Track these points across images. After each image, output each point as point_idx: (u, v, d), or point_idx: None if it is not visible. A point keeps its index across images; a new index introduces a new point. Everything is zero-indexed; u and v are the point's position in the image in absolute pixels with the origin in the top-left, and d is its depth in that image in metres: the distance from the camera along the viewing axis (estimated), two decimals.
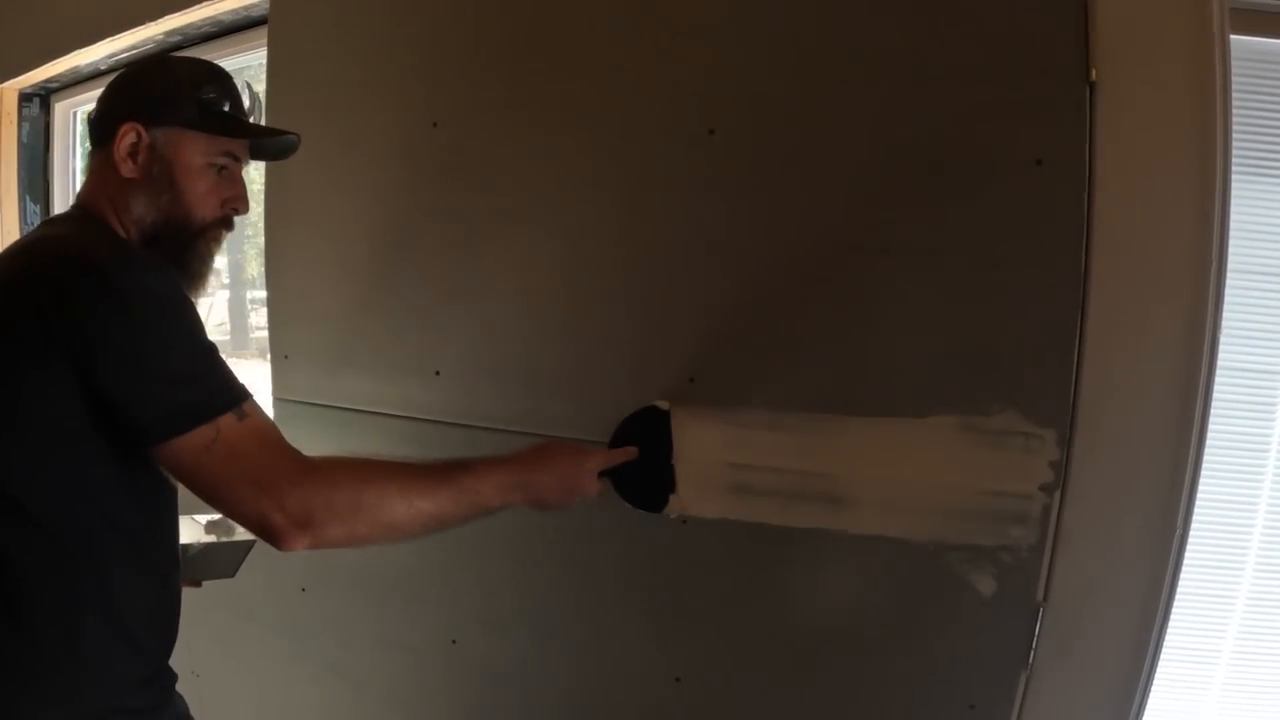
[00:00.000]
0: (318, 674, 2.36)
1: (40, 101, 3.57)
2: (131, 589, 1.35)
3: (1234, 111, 1.36)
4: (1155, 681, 1.46)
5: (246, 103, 1.54)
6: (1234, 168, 1.37)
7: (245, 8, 2.53)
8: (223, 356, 1.31)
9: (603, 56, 1.76)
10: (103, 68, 3.20)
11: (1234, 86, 1.36)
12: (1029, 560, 1.43)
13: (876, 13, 1.49)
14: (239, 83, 1.54)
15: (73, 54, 3.13)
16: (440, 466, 1.42)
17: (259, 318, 3.36)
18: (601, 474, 1.59)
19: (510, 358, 1.89)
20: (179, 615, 1.50)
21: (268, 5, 2.31)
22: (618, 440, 1.67)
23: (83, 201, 1.47)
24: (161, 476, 1.37)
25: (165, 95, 1.43)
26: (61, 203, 3.62)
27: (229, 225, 1.51)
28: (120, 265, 1.28)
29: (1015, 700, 1.47)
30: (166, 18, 2.68)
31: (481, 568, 1.99)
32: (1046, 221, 1.39)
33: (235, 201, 1.49)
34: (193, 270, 1.47)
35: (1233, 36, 1.36)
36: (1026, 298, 1.40)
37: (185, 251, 1.46)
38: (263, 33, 2.40)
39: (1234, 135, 1.37)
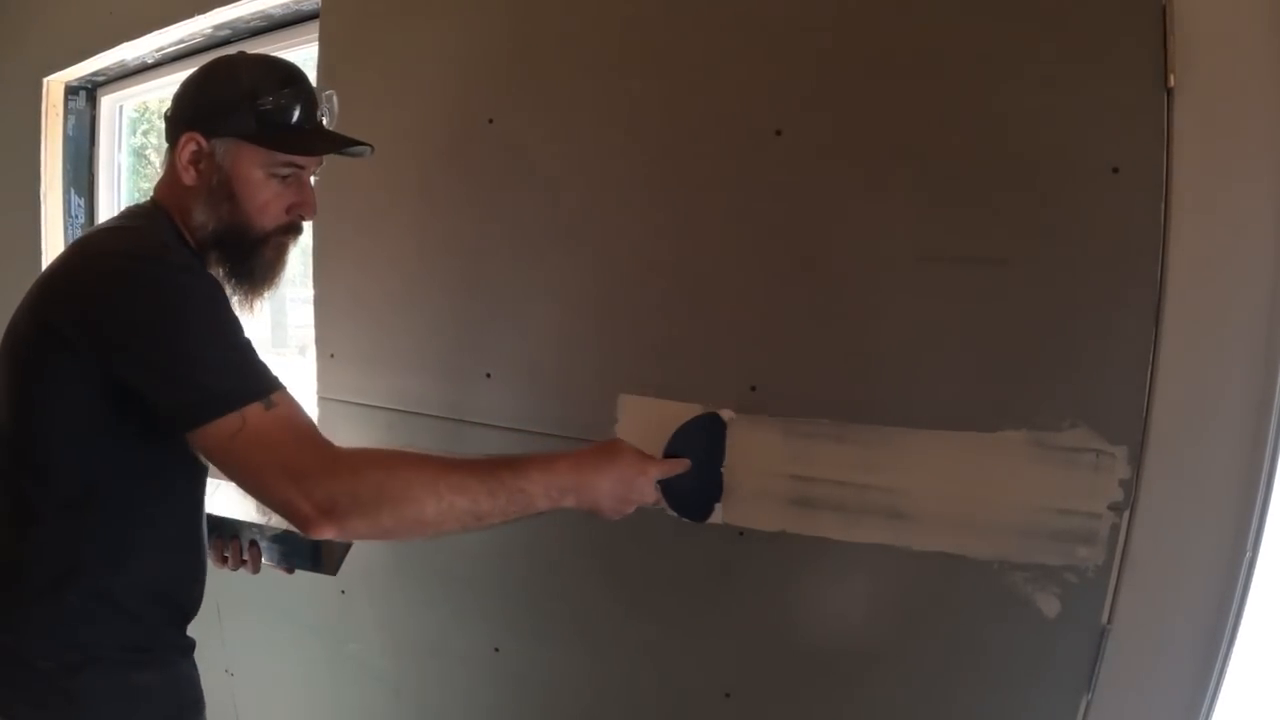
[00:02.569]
0: (355, 677, 2.36)
1: (86, 95, 3.61)
2: (133, 566, 1.42)
3: None
4: (1219, 706, 1.43)
5: (321, 106, 1.54)
6: None
7: (296, 1, 2.53)
8: (256, 351, 1.35)
9: (666, 54, 1.73)
10: (150, 61, 3.22)
11: None
12: (1095, 581, 1.39)
13: (949, 15, 1.46)
14: (313, 85, 1.54)
15: (119, 47, 3.15)
16: (484, 462, 1.39)
17: (297, 315, 3.38)
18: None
19: (566, 361, 1.87)
20: (193, 594, 1.57)
21: None
22: (676, 443, 1.62)
23: (157, 196, 1.52)
24: (188, 463, 1.44)
25: (225, 105, 1.45)
26: (106, 196, 3.65)
27: (296, 230, 1.55)
28: (154, 264, 1.34)
29: None
30: (214, 11, 2.69)
31: (530, 576, 1.97)
32: (1122, 230, 1.35)
33: (301, 208, 1.52)
34: (256, 277, 1.52)
35: None
36: (1100, 310, 1.37)
37: (249, 259, 1.50)
38: (313, 27, 2.41)
39: None
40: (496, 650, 2.03)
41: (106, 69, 3.40)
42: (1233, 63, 1.31)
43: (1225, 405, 1.33)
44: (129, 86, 3.45)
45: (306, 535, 1.29)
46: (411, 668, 2.23)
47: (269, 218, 1.49)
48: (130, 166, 3.77)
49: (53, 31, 3.53)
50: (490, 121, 1.95)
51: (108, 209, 3.66)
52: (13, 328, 1.40)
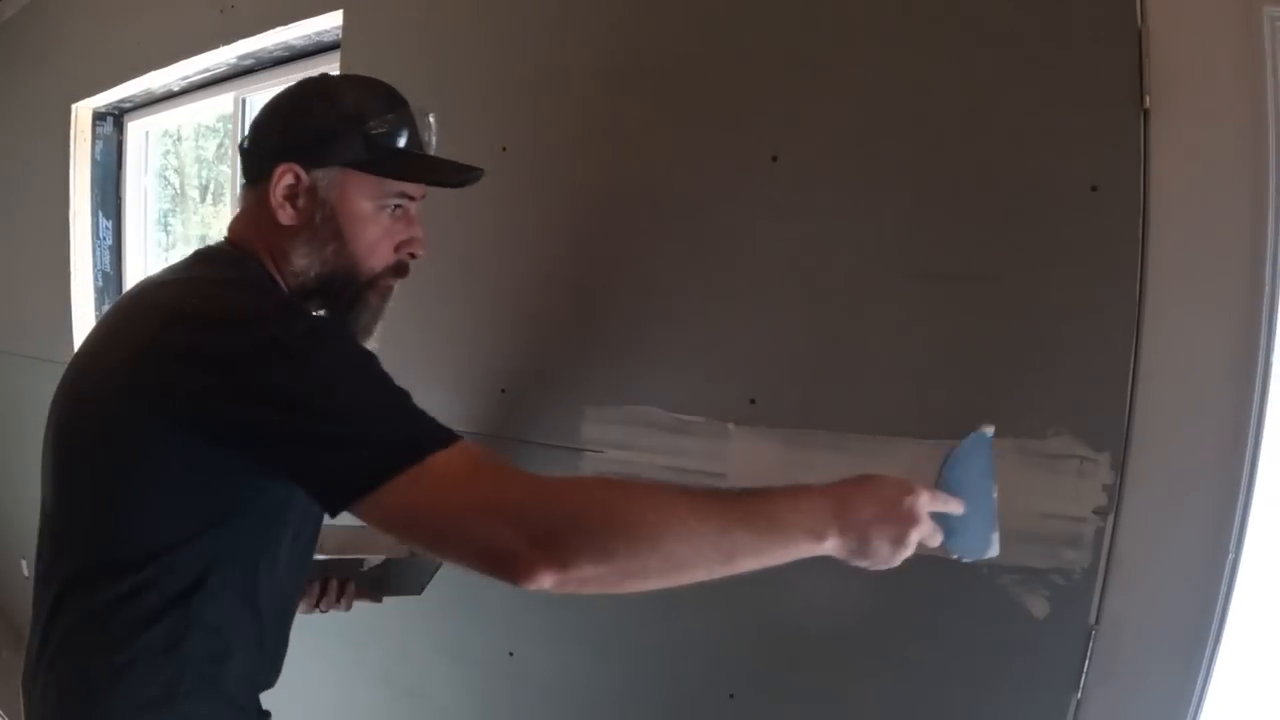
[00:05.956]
0: (372, 681, 2.40)
1: (114, 120, 3.68)
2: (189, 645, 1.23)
3: None
4: (1207, 703, 1.45)
5: (426, 132, 1.37)
6: None
7: (317, 33, 2.60)
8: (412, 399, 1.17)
9: (667, 81, 1.79)
10: (175, 89, 3.30)
11: None
12: (1082, 583, 1.42)
13: (933, 42, 1.51)
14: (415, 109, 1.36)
15: (146, 75, 3.23)
16: (719, 491, 1.18)
17: None
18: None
19: (575, 376, 1.91)
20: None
21: (339, 31, 2.37)
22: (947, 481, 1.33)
23: (235, 239, 1.32)
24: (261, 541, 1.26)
25: (328, 131, 1.26)
26: (134, 220, 3.71)
27: (403, 271, 1.36)
28: (271, 314, 1.14)
29: None
30: (239, 42, 2.77)
31: None
32: (1102, 246, 1.39)
33: (411, 245, 1.35)
34: (361, 327, 1.34)
35: None
36: (1082, 322, 1.41)
37: (352, 306, 1.33)
38: (334, 58, 2.47)
39: None
40: (511, 654, 2.07)
41: (133, 96, 3.47)
42: (1207, 85, 1.35)
43: (1204, 412, 1.36)
44: (156, 113, 3.53)
45: (519, 585, 1.01)
46: (427, 671, 2.27)
47: (378, 258, 1.32)
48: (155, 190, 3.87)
49: (81, 60, 3.61)
50: (504, 149, 2.01)
51: (135, 231, 3.73)
52: (80, 400, 1.19)
